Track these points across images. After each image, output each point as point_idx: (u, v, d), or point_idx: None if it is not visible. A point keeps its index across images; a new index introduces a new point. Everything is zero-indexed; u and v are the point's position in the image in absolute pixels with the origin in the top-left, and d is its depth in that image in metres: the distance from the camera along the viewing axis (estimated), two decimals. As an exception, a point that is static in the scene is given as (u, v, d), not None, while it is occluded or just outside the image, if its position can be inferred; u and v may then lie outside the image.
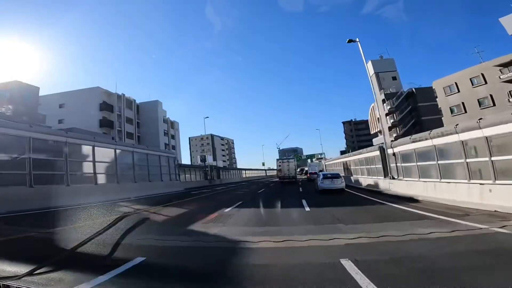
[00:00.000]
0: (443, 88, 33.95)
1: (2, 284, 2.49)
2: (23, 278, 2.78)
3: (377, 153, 16.40)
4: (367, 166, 18.55)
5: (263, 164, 75.97)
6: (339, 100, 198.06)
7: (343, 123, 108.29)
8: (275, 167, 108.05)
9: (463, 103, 31.55)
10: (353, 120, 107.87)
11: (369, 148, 18.32)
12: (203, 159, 36.64)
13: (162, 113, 56.15)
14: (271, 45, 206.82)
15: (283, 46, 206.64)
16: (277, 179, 33.97)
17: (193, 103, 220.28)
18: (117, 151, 18.44)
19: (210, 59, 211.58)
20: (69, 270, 3.36)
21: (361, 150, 20.11)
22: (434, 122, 43.29)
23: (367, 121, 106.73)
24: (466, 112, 31.07)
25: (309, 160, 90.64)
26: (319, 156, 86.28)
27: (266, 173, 75.16)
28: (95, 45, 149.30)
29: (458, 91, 32.15)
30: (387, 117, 47.45)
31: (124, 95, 49.12)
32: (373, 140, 55.95)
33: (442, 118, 34.90)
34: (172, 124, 68.20)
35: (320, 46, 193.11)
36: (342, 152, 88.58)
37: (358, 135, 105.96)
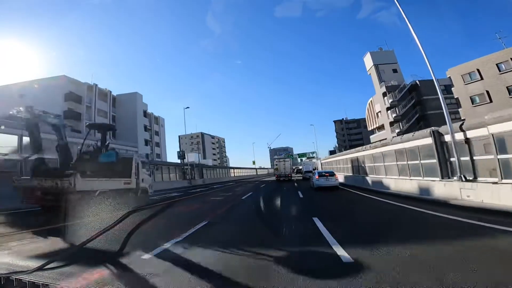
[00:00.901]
0: (461, 76, 28.18)
1: (15, 277, 2.53)
2: (34, 272, 2.78)
3: (427, 141, 10.07)
4: (401, 162, 12.24)
5: (254, 163, 69.28)
6: (329, 100, 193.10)
7: (335, 122, 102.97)
8: (266, 166, 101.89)
9: (487, 91, 25.79)
10: (344, 119, 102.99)
11: (407, 136, 11.85)
12: (182, 156, 29.65)
13: (142, 106, 48.84)
14: (267, 48, 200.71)
15: (278, 49, 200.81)
16: (269, 179, 32.57)
17: (185, 102, 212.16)
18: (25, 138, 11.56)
19: (205, 60, 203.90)
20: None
21: (386, 141, 13.72)
22: (441, 116, 37.85)
23: (358, 120, 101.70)
24: (491, 101, 25.30)
25: (299, 159, 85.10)
26: (311, 155, 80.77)
27: (257, 172, 68.42)
28: (96, 46, 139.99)
29: (481, 78, 26.39)
30: (389, 111, 41.67)
31: (96, 85, 41.68)
32: (371, 137, 50.07)
33: (459, 109, 29.16)
34: (156, 120, 60.95)
35: (315, 47, 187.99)
36: (331, 152, 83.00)
37: (349, 134, 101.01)
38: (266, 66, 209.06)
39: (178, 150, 30.32)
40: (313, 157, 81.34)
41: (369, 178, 15.95)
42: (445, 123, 9.79)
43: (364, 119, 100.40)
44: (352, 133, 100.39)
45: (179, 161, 35.03)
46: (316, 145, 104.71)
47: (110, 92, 44.84)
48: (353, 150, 19.73)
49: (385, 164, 13.86)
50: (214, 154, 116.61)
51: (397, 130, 39.10)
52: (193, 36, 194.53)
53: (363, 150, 16.90)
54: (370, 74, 48.01)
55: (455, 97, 29.92)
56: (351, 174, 20.45)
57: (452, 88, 30.76)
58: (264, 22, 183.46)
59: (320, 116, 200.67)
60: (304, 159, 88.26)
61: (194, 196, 15.84)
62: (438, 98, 32.78)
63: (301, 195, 14.27)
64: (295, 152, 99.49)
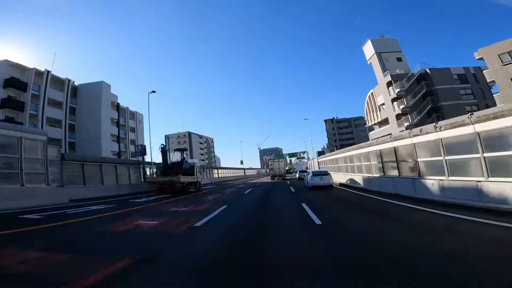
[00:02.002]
0: (499, 55, 21.52)
1: None
2: None
3: None
4: None
5: (242, 163, 61.43)
6: (319, 101, 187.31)
7: (325, 121, 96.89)
8: (256, 167, 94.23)
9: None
10: (335, 118, 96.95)
11: None
12: (142, 152, 21.45)
13: (110, 98, 40.30)
14: (263, 53, 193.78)
15: (273, 51, 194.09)
16: (258, 181, 29.91)
17: (180, 103, 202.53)
18: None
19: (203, 64, 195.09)
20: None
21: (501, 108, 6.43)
22: (457, 108, 31.58)
23: (349, 119, 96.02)
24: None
25: (289, 160, 78.28)
26: (302, 155, 74.04)
27: (245, 172, 60.60)
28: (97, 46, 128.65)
29: (526, 56, 19.86)
30: (395, 103, 35.01)
31: (48, 72, 32.94)
32: (371, 133, 43.40)
33: (495, 95, 22.54)
34: (133, 115, 52.36)
35: (307, 46, 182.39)
36: (320, 153, 76.48)
37: (340, 133, 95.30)
38: (256, 68, 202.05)
39: (137, 144, 22.47)
40: (303, 157, 75.15)
41: (432, 182, 8.66)
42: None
43: (356, 118, 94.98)
44: (343, 133, 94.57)
45: (153, 159, 27.21)
46: (312, 144, 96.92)
47: (69, 80, 36.12)
48: (385, 138, 12.40)
49: (488, 155, 6.60)
50: (202, 154, 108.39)
51: (406, 123, 32.41)
52: (192, 39, 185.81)
53: (415, 135, 9.59)
54: (371, 63, 41.36)
55: (489, 80, 23.26)
56: (377, 175, 13.17)
57: (484, 71, 24.21)
58: (256, 23, 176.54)
59: (309, 117, 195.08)
60: (294, 159, 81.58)
61: (116, 214, 8.10)
62: (452, 88, 26.43)
63: (316, 219, 6.74)
64: (284, 152, 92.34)
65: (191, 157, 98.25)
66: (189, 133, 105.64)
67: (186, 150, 20.93)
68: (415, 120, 31.72)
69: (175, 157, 19.39)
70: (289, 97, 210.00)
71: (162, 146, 18.33)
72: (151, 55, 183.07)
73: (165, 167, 17.30)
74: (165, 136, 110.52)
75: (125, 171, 18.41)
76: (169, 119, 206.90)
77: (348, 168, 19.00)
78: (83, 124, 36.04)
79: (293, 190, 16.45)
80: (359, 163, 16.14)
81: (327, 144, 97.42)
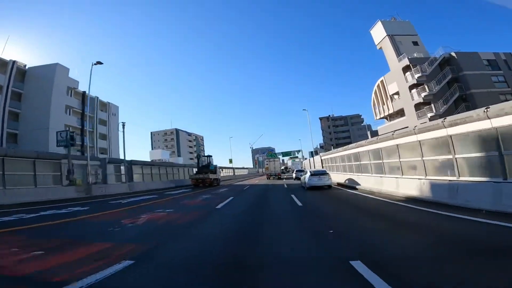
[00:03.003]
0: None
1: None
2: None
3: None
4: None
5: (231, 161, 54.10)
6: (314, 100, 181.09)
7: (320, 119, 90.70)
8: (248, 166, 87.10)
9: None
10: (331, 115, 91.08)
11: None
12: (65, 140, 13.68)
13: (67, 83, 32.32)
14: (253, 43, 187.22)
15: (266, 41, 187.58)
16: (247, 182, 28.44)
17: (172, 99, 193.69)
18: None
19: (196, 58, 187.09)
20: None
21: None
22: (489, 96, 25.66)
23: (345, 117, 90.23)
24: None
25: (282, 159, 71.85)
26: (296, 154, 67.91)
27: (234, 172, 53.41)
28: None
29: None
30: (414, 90, 28.72)
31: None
32: (379, 128, 36.72)
33: None
34: (104, 106, 44.48)
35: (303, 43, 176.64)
36: (314, 153, 70.35)
37: (336, 131, 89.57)
38: (251, 69, 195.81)
39: (67, 129, 15.33)
40: (296, 157, 69.06)
41: None
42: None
43: (352, 116, 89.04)
44: (339, 131, 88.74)
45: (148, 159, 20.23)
46: (311, 137, 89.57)
47: (14, 62, 28.17)
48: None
49: None
50: (190, 153, 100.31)
51: (429, 114, 26.21)
52: (189, 36, 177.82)
53: None
54: (381, 48, 35.08)
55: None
56: (482, 179, 6.48)
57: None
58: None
59: (302, 117, 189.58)
60: (287, 158, 75.23)
61: None
62: (483, 74, 17.07)
63: None
64: (277, 151, 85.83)
65: (179, 155, 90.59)
66: (177, 130, 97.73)
67: (211, 156, 27.96)
68: (441, 110, 25.55)
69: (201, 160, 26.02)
70: (283, 96, 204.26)
71: (198, 153, 27.39)
72: (137, 50, 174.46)
73: (199, 168, 24.40)
74: (151, 133, 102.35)
75: (27, 169, 11.13)
76: (157, 116, 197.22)
77: (383, 167, 12.31)
78: (30, 112, 28.20)
79: (299, 204, 9.52)
80: (418, 158, 9.44)
81: (320, 144, 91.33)
